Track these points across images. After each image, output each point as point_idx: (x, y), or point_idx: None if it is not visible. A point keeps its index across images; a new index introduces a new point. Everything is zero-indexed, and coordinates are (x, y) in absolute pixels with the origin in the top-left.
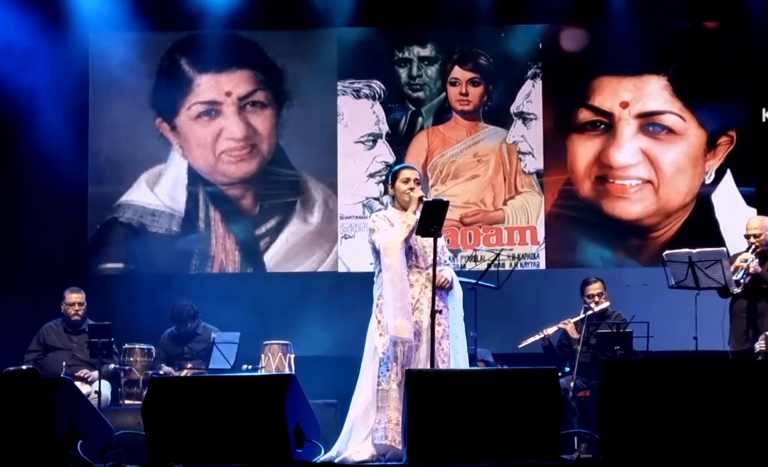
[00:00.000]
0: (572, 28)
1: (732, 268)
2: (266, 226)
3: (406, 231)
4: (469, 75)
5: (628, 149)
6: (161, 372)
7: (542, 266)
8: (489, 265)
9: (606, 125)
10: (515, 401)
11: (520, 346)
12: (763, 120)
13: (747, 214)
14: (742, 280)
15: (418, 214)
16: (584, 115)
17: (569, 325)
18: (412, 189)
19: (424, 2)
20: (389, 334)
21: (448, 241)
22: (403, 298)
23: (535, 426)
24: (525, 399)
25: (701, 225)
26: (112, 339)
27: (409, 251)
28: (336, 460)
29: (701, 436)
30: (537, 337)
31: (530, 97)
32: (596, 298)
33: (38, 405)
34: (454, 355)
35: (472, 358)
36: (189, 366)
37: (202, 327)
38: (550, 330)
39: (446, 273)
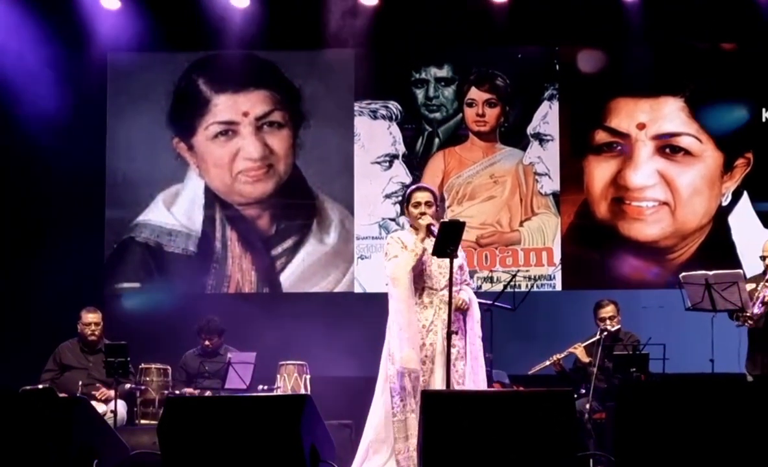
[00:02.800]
0: (589, 50)
1: (753, 301)
2: (282, 246)
3: (413, 259)
4: (486, 96)
5: (645, 171)
6: (178, 392)
7: (558, 287)
8: (505, 286)
9: (622, 147)
10: (531, 423)
11: (530, 372)
12: (763, 120)
13: (764, 235)
14: (756, 308)
15: (429, 241)
16: (601, 137)
17: (579, 349)
18: (423, 213)
19: (441, 23)
20: (396, 365)
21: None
22: (410, 328)
23: (550, 449)
24: (540, 422)
25: (718, 247)
26: (128, 359)
27: (422, 273)
28: None
29: (717, 459)
30: (547, 363)
31: (547, 118)
32: (608, 321)
33: (55, 424)
34: (473, 376)
35: (488, 380)
36: (207, 392)
37: (224, 348)
38: (561, 355)
39: (464, 295)
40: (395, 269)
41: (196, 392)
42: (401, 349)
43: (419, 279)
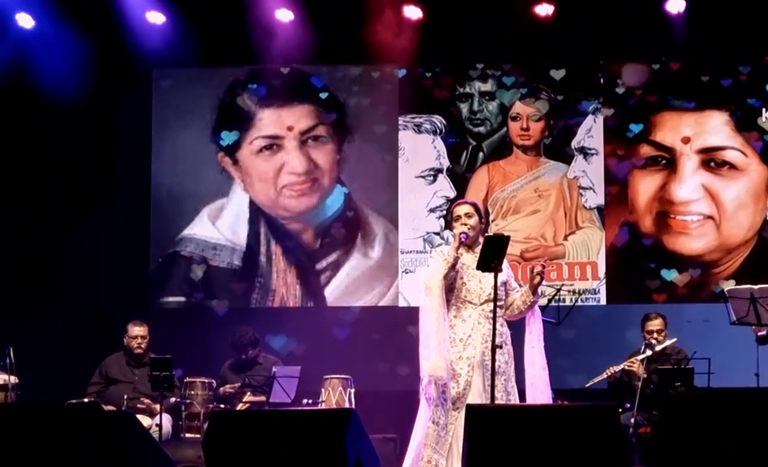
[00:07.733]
0: (633, 64)
1: None
2: (327, 260)
3: (445, 267)
4: (530, 110)
5: (690, 185)
6: (220, 391)
7: (603, 301)
8: (550, 300)
9: (667, 160)
10: (575, 438)
11: (587, 385)
12: (763, 119)
13: None
14: None
15: (469, 256)
16: (645, 151)
17: (636, 365)
18: (463, 225)
19: (485, 38)
20: (425, 374)
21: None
22: (438, 336)
23: (595, 464)
24: (585, 436)
25: (763, 261)
26: (174, 373)
27: (462, 287)
28: None
29: None
30: (604, 376)
31: (591, 132)
32: (656, 334)
33: (100, 438)
34: (531, 391)
35: None
36: (247, 396)
37: (262, 356)
38: (617, 368)
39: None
40: (426, 277)
41: (238, 397)
42: (428, 358)
43: (458, 292)
